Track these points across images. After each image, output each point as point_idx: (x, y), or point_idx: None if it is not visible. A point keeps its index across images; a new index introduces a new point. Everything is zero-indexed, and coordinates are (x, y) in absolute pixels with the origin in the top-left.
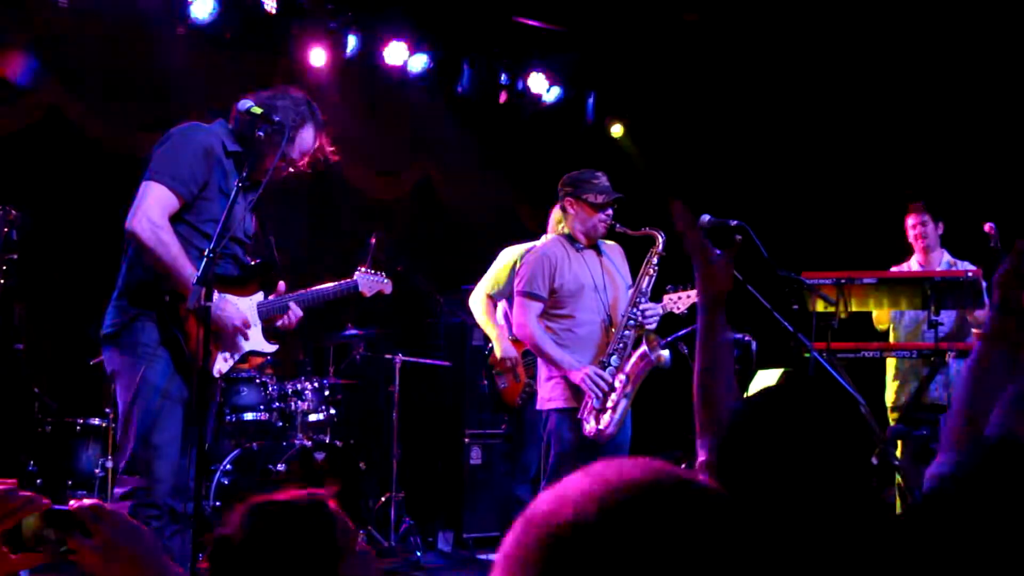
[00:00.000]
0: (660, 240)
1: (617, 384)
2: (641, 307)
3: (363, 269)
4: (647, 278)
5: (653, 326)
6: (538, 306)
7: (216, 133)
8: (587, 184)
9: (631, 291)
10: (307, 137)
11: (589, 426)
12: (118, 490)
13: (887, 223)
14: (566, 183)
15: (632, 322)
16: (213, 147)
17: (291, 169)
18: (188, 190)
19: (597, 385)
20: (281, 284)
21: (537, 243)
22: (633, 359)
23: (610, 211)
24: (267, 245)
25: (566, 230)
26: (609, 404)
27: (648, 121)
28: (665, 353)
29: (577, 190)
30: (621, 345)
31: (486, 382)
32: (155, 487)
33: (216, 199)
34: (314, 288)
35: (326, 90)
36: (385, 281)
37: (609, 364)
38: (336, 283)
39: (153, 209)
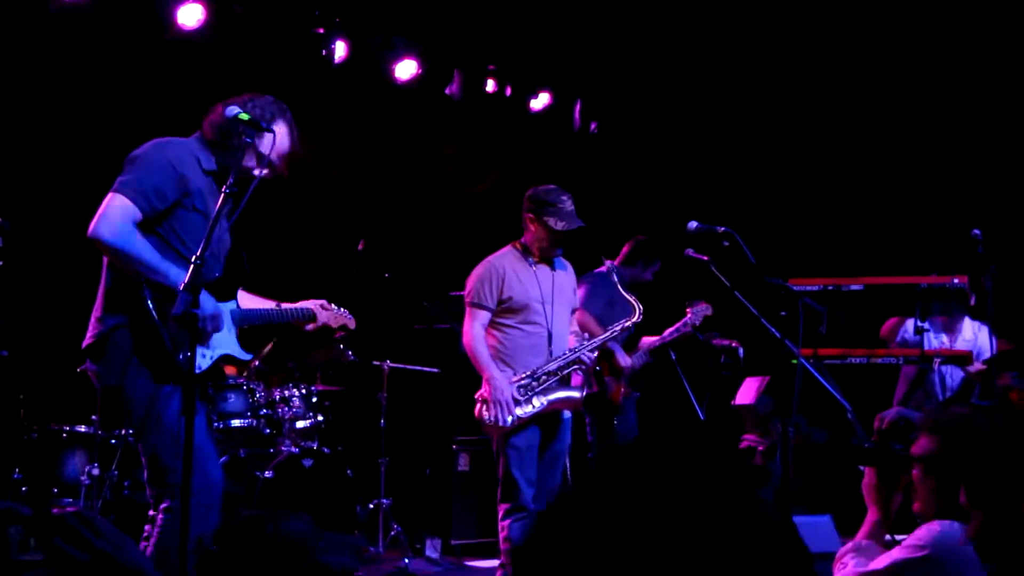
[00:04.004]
0: (637, 314)
1: (532, 405)
2: (587, 352)
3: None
4: (608, 337)
5: (582, 371)
6: (485, 315)
7: (191, 149)
8: (551, 207)
9: (592, 333)
10: (281, 136)
11: (487, 414)
12: (169, 504)
13: (876, 229)
14: (531, 199)
15: (574, 356)
16: (184, 163)
17: (268, 172)
18: (151, 204)
19: (499, 410)
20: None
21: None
22: (560, 395)
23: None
24: (239, 259)
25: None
26: (509, 419)
27: (636, 127)
28: (576, 395)
29: (540, 211)
30: (555, 370)
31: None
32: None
33: (188, 216)
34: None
35: (314, 96)
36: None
37: (536, 385)
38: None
39: (113, 214)
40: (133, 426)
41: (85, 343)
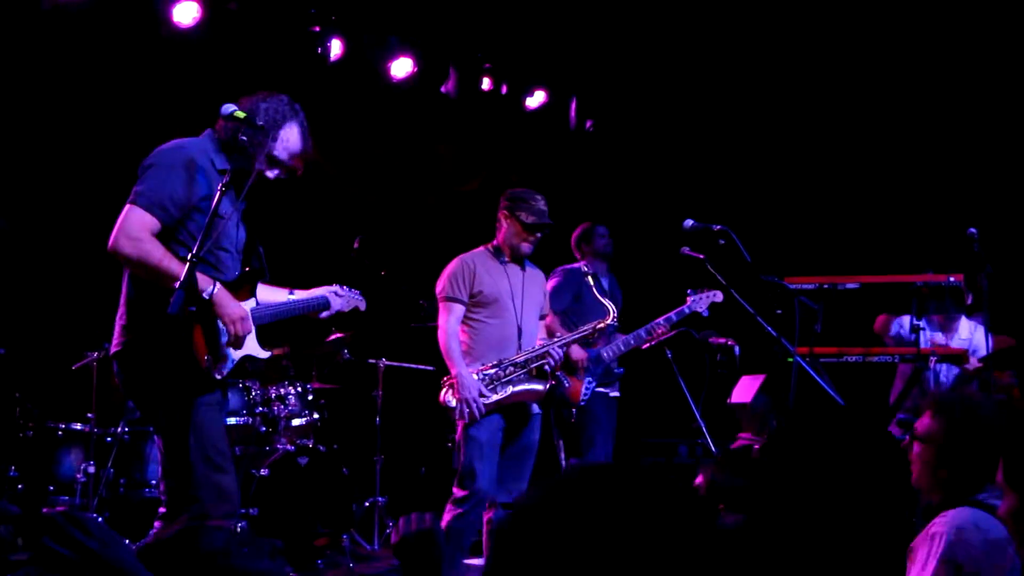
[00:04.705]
0: (611, 316)
1: (496, 395)
2: (557, 347)
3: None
4: (579, 336)
5: (550, 366)
6: (459, 308)
7: (203, 149)
8: (524, 203)
9: (563, 332)
10: (292, 136)
11: (453, 402)
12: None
13: (872, 228)
14: (507, 197)
15: (542, 350)
16: (197, 166)
17: (280, 172)
18: (168, 213)
19: (463, 407)
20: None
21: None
22: (524, 387)
23: (538, 234)
24: (257, 255)
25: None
26: (477, 415)
27: (632, 125)
28: (540, 388)
29: (513, 206)
30: (523, 362)
31: (553, 383)
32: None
33: (205, 218)
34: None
35: (310, 94)
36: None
37: (502, 375)
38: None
39: (131, 226)
40: (158, 429)
41: (113, 350)
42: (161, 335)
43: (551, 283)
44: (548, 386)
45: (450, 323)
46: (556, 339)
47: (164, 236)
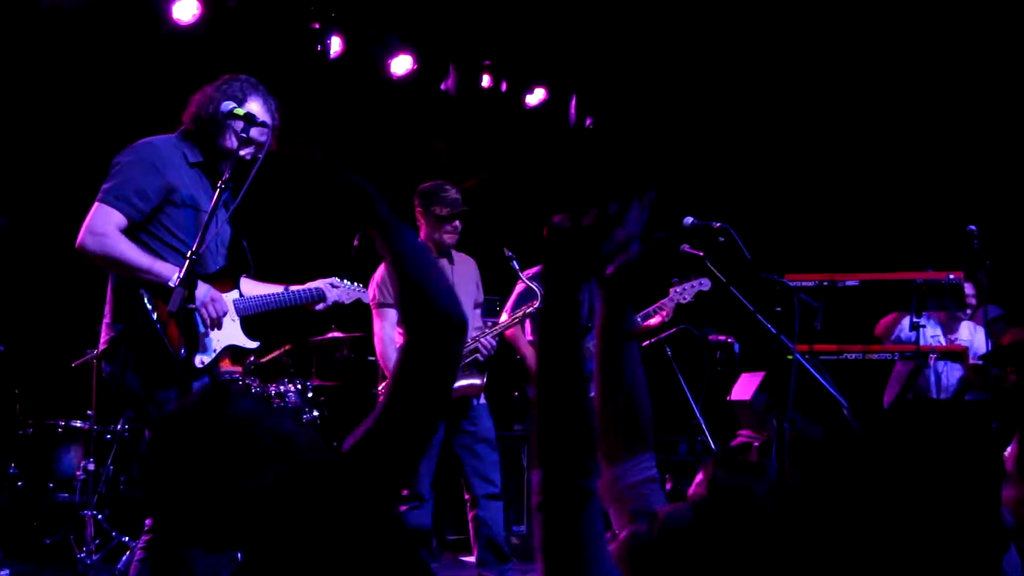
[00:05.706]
0: (539, 298)
1: None
2: (488, 338)
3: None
4: (510, 324)
5: (482, 356)
6: (392, 313)
7: (174, 144)
8: (435, 197)
9: (501, 319)
10: (254, 110)
11: None
12: None
13: (872, 225)
14: (418, 194)
15: (473, 344)
16: (165, 161)
17: (253, 150)
18: (135, 208)
19: None
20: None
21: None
22: (460, 383)
23: (457, 223)
24: (240, 249)
25: None
26: None
27: (632, 123)
28: (477, 382)
29: (426, 202)
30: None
31: (517, 393)
32: None
33: (178, 212)
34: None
35: (310, 92)
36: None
37: None
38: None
39: (95, 223)
40: (147, 424)
41: (100, 347)
42: (139, 330)
43: (516, 290)
44: (485, 379)
45: (385, 330)
46: (487, 329)
47: (135, 231)
